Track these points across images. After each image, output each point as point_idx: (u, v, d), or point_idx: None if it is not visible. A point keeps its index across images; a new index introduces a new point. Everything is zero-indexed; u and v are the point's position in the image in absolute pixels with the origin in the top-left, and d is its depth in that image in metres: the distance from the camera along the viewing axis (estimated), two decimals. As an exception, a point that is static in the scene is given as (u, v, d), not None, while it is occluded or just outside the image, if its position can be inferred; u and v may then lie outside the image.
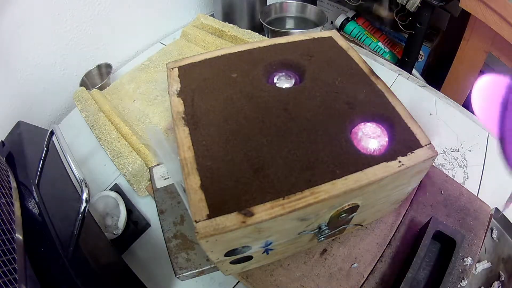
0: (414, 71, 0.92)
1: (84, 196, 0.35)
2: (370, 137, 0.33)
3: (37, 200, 0.41)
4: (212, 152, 0.32)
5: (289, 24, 0.89)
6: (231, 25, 0.77)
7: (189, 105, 0.37)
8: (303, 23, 0.88)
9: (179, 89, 0.39)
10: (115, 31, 0.78)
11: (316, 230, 0.34)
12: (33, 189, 0.42)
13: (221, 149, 0.32)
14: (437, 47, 0.94)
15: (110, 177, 0.59)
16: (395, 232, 0.45)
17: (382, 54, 0.99)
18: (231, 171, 0.31)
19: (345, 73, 0.40)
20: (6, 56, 0.61)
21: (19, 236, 0.36)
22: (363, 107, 0.36)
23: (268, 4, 0.88)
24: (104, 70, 0.77)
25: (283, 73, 0.41)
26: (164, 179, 0.49)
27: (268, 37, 0.81)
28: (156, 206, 0.46)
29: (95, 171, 0.60)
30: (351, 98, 0.37)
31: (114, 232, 0.50)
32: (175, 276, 0.39)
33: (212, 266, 0.39)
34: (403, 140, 0.33)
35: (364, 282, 0.41)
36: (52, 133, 0.44)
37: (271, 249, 0.35)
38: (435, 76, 0.92)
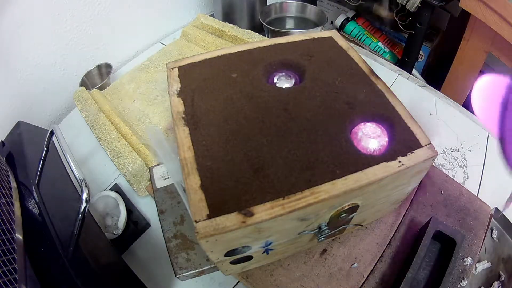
0: (414, 71, 0.92)
1: (84, 196, 0.35)
2: (370, 137, 0.33)
3: (37, 200, 0.41)
4: (212, 152, 0.32)
5: (289, 24, 0.89)
6: (231, 25, 0.77)
7: (189, 105, 0.37)
8: (303, 23, 0.88)
9: (179, 89, 0.39)
10: (115, 31, 0.78)
11: (316, 230, 0.34)
12: (33, 189, 0.42)
13: (221, 149, 0.32)
14: (437, 47, 0.94)
15: (110, 177, 0.59)
16: (395, 232, 0.45)
17: (382, 54, 0.99)
18: (231, 171, 0.31)
19: (345, 73, 0.40)
20: (6, 56, 0.61)
21: (19, 236, 0.36)
22: (363, 107, 0.36)
23: (268, 4, 0.88)
24: (104, 70, 0.77)
25: (283, 73, 0.41)
26: (164, 179, 0.49)
27: (268, 37, 0.81)
28: (156, 206, 0.46)
29: (95, 171, 0.60)
30: (351, 98, 0.37)
31: (114, 232, 0.50)
32: (175, 276, 0.39)
33: (212, 266, 0.39)
34: (403, 140, 0.33)
35: (364, 282, 0.41)
36: (52, 133, 0.44)
37: (271, 249, 0.35)
38: (435, 76, 0.92)
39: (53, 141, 0.47)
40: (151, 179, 0.49)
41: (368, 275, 0.41)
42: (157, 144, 0.40)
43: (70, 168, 0.39)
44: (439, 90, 0.70)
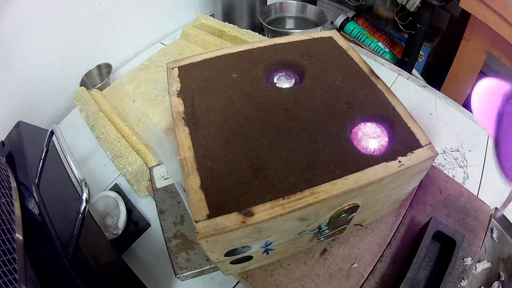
0: (414, 71, 0.92)
1: (84, 196, 0.35)
2: (370, 137, 0.33)
3: (37, 200, 0.41)
4: (212, 152, 0.32)
5: (289, 24, 0.89)
6: (231, 25, 0.77)
7: (189, 105, 0.37)
8: (303, 23, 0.88)
9: (179, 89, 0.39)
10: (115, 31, 0.78)
11: (316, 230, 0.34)
12: (33, 189, 0.42)
13: (221, 149, 0.32)
14: (437, 47, 0.94)
15: (110, 177, 0.59)
16: (395, 232, 0.45)
17: (382, 54, 0.99)
18: (231, 171, 0.31)
19: (345, 73, 0.40)
20: (6, 56, 0.61)
21: (19, 236, 0.36)
22: (363, 107, 0.36)
23: (268, 4, 0.88)
24: (104, 70, 0.77)
25: (283, 73, 0.41)
26: (164, 179, 0.49)
27: (268, 37, 0.81)
28: (156, 206, 0.46)
29: (95, 171, 0.60)
30: (351, 98, 0.37)
31: (114, 232, 0.50)
32: (175, 276, 0.39)
33: (212, 266, 0.39)
34: (403, 140, 0.33)
35: (364, 282, 0.41)
36: (52, 133, 0.44)
37: (271, 249, 0.35)
38: (435, 76, 0.92)
39: (53, 141, 0.47)
40: (151, 179, 0.49)
41: (368, 275, 0.41)
42: (157, 144, 0.40)
43: (70, 168, 0.39)
44: (439, 90, 0.70)
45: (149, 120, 0.62)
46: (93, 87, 0.73)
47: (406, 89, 0.70)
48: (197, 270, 0.39)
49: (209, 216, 0.28)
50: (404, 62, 0.89)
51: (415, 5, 0.77)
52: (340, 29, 1.05)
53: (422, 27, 0.79)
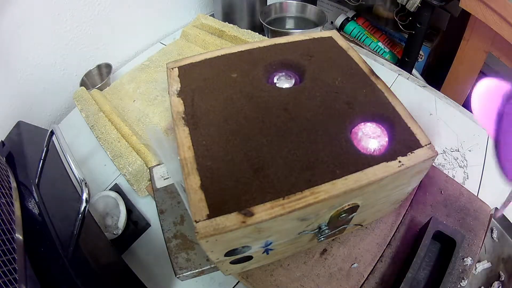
0: (414, 71, 0.92)
1: (84, 196, 0.35)
2: (370, 137, 0.33)
3: (37, 200, 0.41)
4: (212, 152, 0.32)
5: (289, 24, 0.89)
6: (231, 25, 0.77)
7: (189, 105, 0.37)
8: (303, 23, 0.88)
9: (179, 89, 0.39)
10: (115, 31, 0.78)
11: (316, 230, 0.34)
12: (33, 189, 0.42)
13: (221, 149, 0.32)
14: (437, 47, 0.94)
15: (110, 177, 0.59)
16: (395, 232, 0.45)
17: (382, 54, 0.99)
18: (231, 171, 0.31)
19: (345, 73, 0.40)
20: (6, 56, 0.61)
21: (19, 236, 0.36)
22: (363, 107, 0.36)
23: (268, 4, 0.88)
24: (104, 70, 0.77)
25: (283, 73, 0.41)
26: (164, 179, 0.49)
27: (268, 37, 0.81)
28: (156, 206, 0.46)
29: (95, 171, 0.60)
30: (351, 98, 0.37)
31: (114, 232, 0.50)
32: (175, 276, 0.39)
33: (212, 266, 0.39)
34: (403, 140, 0.33)
35: (364, 282, 0.41)
36: (52, 133, 0.44)
37: (271, 249, 0.35)
38: (435, 76, 0.92)
39: (53, 141, 0.47)
40: (151, 179, 0.49)
41: (368, 275, 0.41)
42: (157, 144, 0.40)
43: (70, 168, 0.39)
44: (439, 90, 0.70)
45: (149, 120, 0.63)
46: (93, 87, 0.73)
47: (406, 89, 0.70)
48: (197, 270, 0.39)
49: (209, 216, 0.28)
50: (404, 62, 0.89)
51: (415, 5, 0.77)
52: (340, 29, 1.05)
53: (422, 27, 0.79)
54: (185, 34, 0.80)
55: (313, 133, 0.33)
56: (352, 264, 0.42)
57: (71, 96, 0.69)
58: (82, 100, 0.65)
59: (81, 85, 0.72)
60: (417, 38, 0.83)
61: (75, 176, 0.38)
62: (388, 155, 0.32)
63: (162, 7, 0.86)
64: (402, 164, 0.31)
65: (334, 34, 0.46)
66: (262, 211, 0.28)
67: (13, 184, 0.42)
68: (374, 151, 0.33)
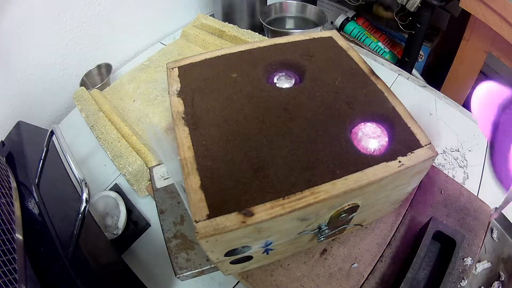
0: (414, 71, 0.92)
1: (84, 196, 0.35)
2: (370, 137, 0.33)
3: (37, 200, 0.41)
4: (212, 152, 0.32)
5: (289, 24, 0.89)
6: (231, 25, 0.77)
7: (189, 105, 0.37)
8: (303, 23, 0.88)
9: (179, 89, 0.39)
10: (115, 31, 0.78)
11: (316, 230, 0.34)
12: (33, 189, 0.42)
13: (221, 149, 0.32)
14: (437, 47, 0.94)
15: (110, 177, 0.59)
16: (395, 232, 0.45)
17: (382, 54, 0.99)
18: (231, 171, 0.31)
19: (345, 73, 0.40)
20: (6, 56, 0.61)
21: (19, 236, 0.36)
22: (363, 107, 0.36)
23: (268, 4, 0.88)
24: (104, 70, 0.77)
25: (283, 73, 0.41)
26: (164, 179, 0.49)
27: (268, 37, 0.81)
28: (156, 206, 0.46)
29: (95, 171, 0.60)
30: (351, 98, 0.37)
31: (114, 232, 0.50)
32: (175, 276, 0.39)
33: (212, 266, 0.39)
34: (403, 140, 0.33)
35: (364, 282, 0.41)
36: (52, 133, 0.44)
37: (271, 249, 0.35)
38: (435, 76, 0.92)
39: (53, 141, 0.47)
40: (151, 179, 0.49)
41: (368, 275, 0.41)
42: (157, 144, 0.40)
43: (70, 168, 0.39)
44: (439, 90, 0.70)
45: (149, 120, 0.62)
46: (93, 87, 0.73)
47: (406, 89, 0.70)
48: (197, 270, 0.39)
49: (209, 216, 0.28)
50: (404, 62, 0.89)
51: (415, 5, 0.77)
52: (340, 29, 1.05)
53: (422, 27, 0.79)
54: (185, 34, 0.80)
55: (313, 133, 0.33)
56: (352, 264, 0.42)
57: (71, 96, 0.69)
58: (82, 100, 0.65)
59: (81, 85, 0.72)
60: (417, 38, 0.83)
61: (75, 176, 0.38)
62: (388, 155, 0.32)
63: (162, 7, 0.86)
64: (402, 164, 0.31)
65: (334, 34, 0.46)
66: (262, 211, 0.28)
67: (13, 184, 0.42)
68: (374, 151, 0.33)
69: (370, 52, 0.88)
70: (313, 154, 0.32)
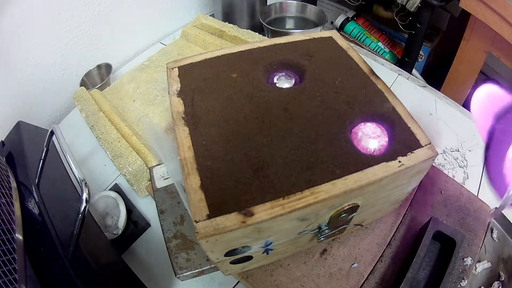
0: (414, 71, 0.92)
1: (84, 196, 0.35)
2: (370, 137, 0.33)
3: (37, 200, 0.41)
4: (212, 152, 0.32)
5: (289, 24, 0.89)
6: (231, 25, 0.77)
7: (189, 105, 0.37)
8: (303, 23, 0.88)
9: (179, 89, 0.39)
10: (115, 31, 0.78)
11: (316, 230, 0.34)
12: (33, 189, 0.42)
13: (221, 149, 0.32)
14: (437, 47, 0.94)
15: (110, 177, 0.59)
16: (395, 232, 0.45)
17: (382, 54, 0.99)
18: (231, 171, 0.31)
19: (345, 73, 0.40)
20: (6, 56, 0.61)
21: (19, 236, 0.36)
22: (363, 107, 0.36)
23: (268, 4, 0.88)
24: (104, 70, 0.77)
25: (283, 73, 0.41)
26: (164, 179, 0.49)
27: (268, 37, 0.81)
28: (156, 206, 0.46)
29: (95, 171, 0.60)
30: (351, 98, 0.37)
31: (114, 232, 0.50)
32: (175, 276, 0.39)
33: (212, 266, 0.39)
34: (403, 140, 0.33)
35: (364, 282, 0.41)
36: (52, 133, 0.44)
37: (271, 249, 0.35)
38: (435, 76, 0.92)
39: (53, 141, 0.47)
40: (151, 179, 0.49)
41: (368, 275, 0.41)
42: (157, 144, 0.40)
43: (70, 168, 0.39)
44: (439, 90, 0.70)
45: (149, 120, 0.62)
46: (93, 87, 0.73)
47: (406, 89, 0.70)
48: (197, 270, 0.39)
49: (209, 216, 0.28)
50: (404, 62, 0.89)
51: (415, 5, 0.77)
52: (340, 29, 1.05)
53: (422, 27, 0.79)
54: (185, 34, 0.80)
55: (313, 133, 0.33)
56: (352, 264, 0.42)
57: (71, 96, 0.69)
58: (82, 100, 0.65)
59: (81, 85, 0.72)
60: (417, 38, 0.83)
61: (75, 176, 0.38)
62: (388, 155, 0.32)
63: (162, 7, 0.86)
64: (402, 164, 0.31)
65: (334, 34, 0.46)
66: (262, 211, 0.28)
67: (13, 184, 0.42)
68: (374, 151, 0.33)
69: (370, 52, 0.88)
70: (313, 154, 0.32)
